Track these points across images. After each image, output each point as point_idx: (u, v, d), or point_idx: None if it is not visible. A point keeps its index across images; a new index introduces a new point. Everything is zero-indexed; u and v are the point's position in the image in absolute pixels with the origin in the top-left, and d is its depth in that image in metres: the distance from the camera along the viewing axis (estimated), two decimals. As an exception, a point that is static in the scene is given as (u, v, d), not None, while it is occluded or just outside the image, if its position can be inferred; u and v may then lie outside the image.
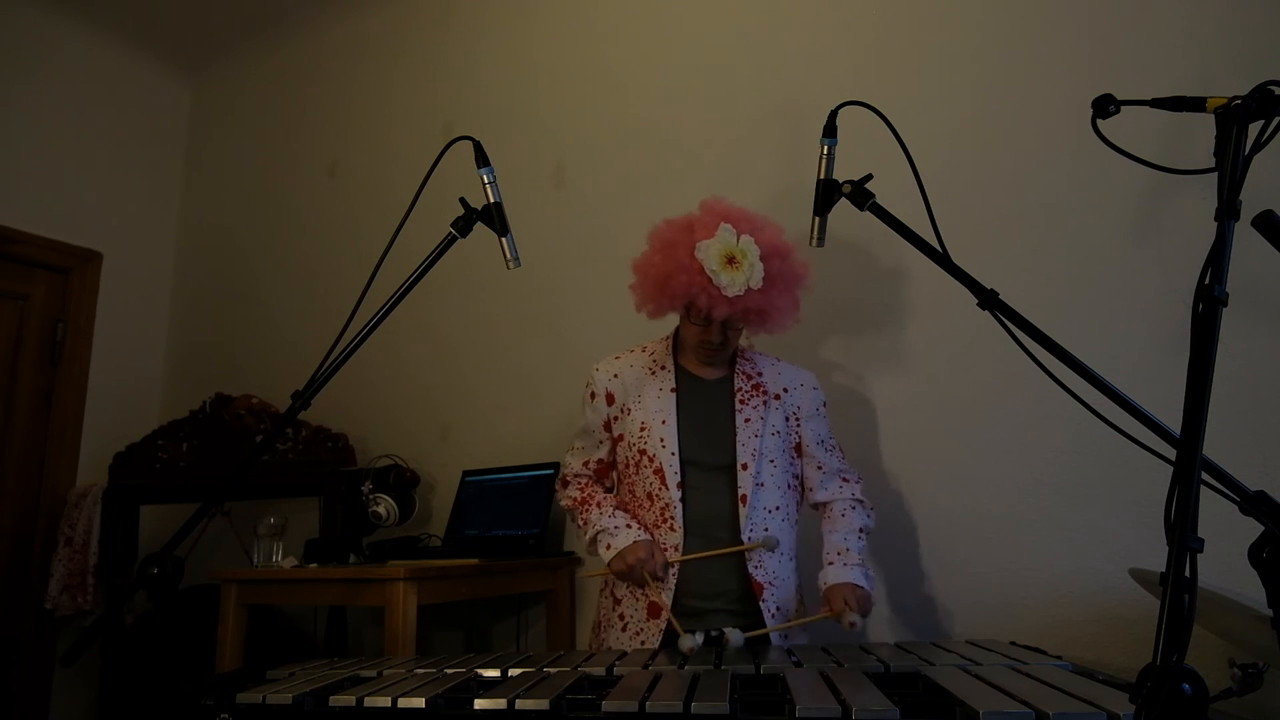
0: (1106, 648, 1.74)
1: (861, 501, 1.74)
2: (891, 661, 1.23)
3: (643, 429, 1.70)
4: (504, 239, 1.47)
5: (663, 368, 1.76)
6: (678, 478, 1.65)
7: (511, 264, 1.50)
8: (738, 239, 1.57)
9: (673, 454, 1.66)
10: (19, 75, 3.33)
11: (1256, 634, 1.05)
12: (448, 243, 1.40)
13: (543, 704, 1.06)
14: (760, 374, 1.76)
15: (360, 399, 3.00)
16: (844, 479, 1.76)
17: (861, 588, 1.60)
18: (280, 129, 3.63)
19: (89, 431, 3.42)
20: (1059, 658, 1.27)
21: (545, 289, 2.70)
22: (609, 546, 1.65)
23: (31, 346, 3.32)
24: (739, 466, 1.66)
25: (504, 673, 1.30)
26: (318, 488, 2.74)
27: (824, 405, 1.78)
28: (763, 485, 1.67)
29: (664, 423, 1.69)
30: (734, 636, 1.48)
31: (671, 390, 1.72)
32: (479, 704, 1.08)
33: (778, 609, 1.64)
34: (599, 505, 1.73)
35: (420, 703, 1.11)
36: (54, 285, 3.42)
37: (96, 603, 3.05)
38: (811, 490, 1.76)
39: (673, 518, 1.64)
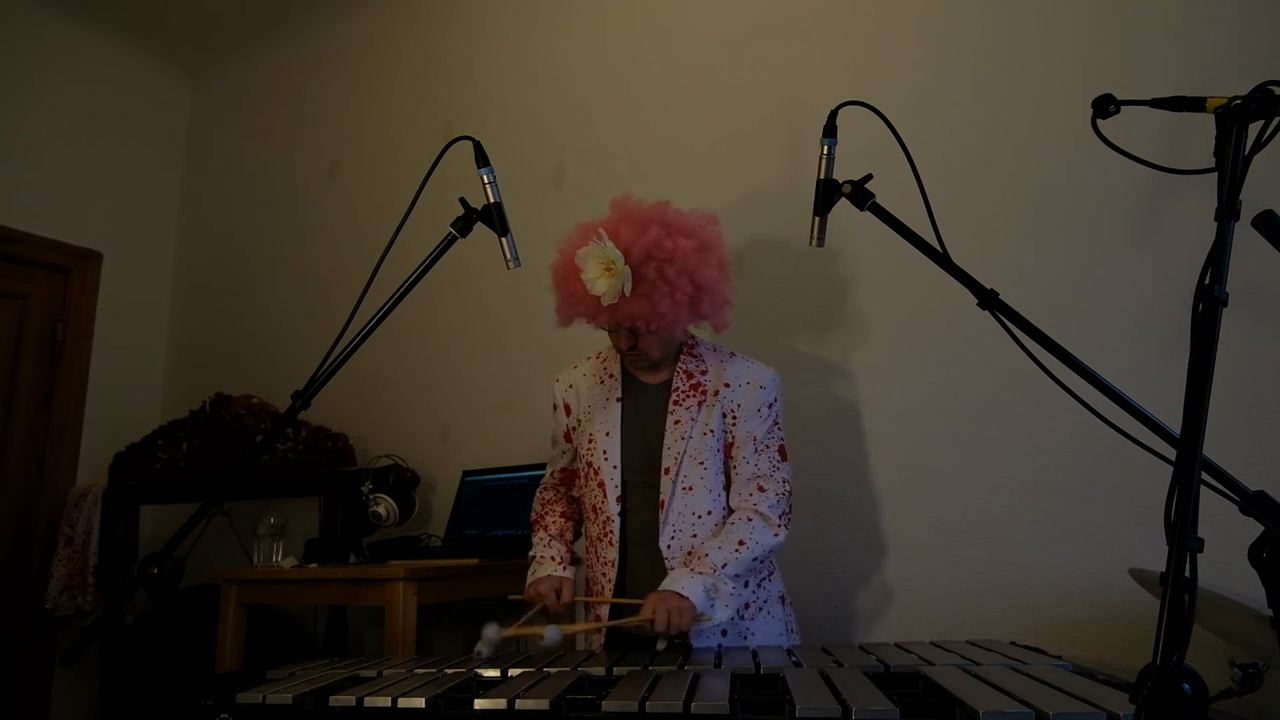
0: (1106, 648, 1.74)
1: (763, 515, 1.56)
2: (891, 661, 1.23)
3: (590, 442, 1.69)
4: (504, 239, 1.47)
5: (611, 376, 1.74)
6: (618, 491, 1.64)
7: (511, 264, 1.50)
8: (606, 246, 1.49)
9: (614, 467, 1.65)
10: (20, 76, 3.33)
11: (1256, 634, 1.05)
12: (448, 243, 1.40)
13: (543, 704, 1.06)
14: (704, 371, 1.67)
15: (360, 399, 3.00)
16: (760, 487, 1.59)
17: (686, 599, 1.42)
18: (280, 129, 3.63)
19: (89, 431, 3.42)
20: (1059, 658, 1.27)
21: (545, 289, 2.68)
22: (531, 573, 1.70)
23: (31, 346, 3.32)
24: (662, 471, 1.61)
25: (504, 673, 1.30)
26: (318, 488, 2.74)
27: (770, 406, 1.64)
28: (690, 489, 1.60)
29: (607, 434, 1.67)
30: (549, 634, 1.44)
31: (617, 400, 1.70)
32: (479, 704, 1.08)
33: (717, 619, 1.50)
34: (545, 529, 1.78)
35: (420, 703, 1.11)
36: (54, 285, 3.42)
37: (96, 603, 3.05)
38: (729, 494, 1.64)
39: (611, 531, 1.63)
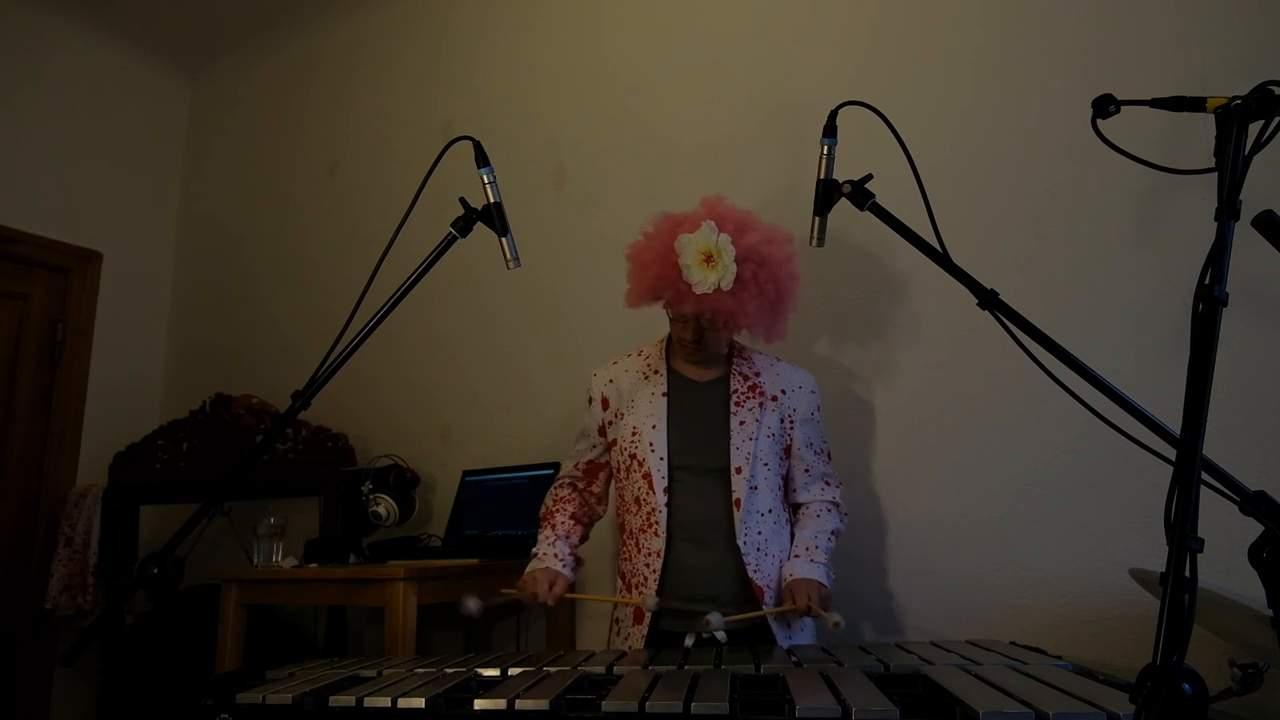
0: (1107, 648, 1.74)
1: (837, 505, 1.76)
2: (891, 661, 1.23)
3: (634, 434, 1.71)
4: (504, 239, 1.47)
5: (656, 371, 1.77)
6: (665, 482, 1.66)
7: (511, 264, 1.50)
8: (717, 237, 1.55)
9: (661, 459, 1.67)
10: (19, 75, 3.33)
11: (1256, 634, 1.05)
12: (448, 243, 1.40)
13: (543, 704, 1.06)
14: (758, 374, 1.75)
15: (360, 399, 3.00)
16: (825, 482, 1.77)
17: (824, 586, 1.61)
18: (280, 129, 3.63)
19: (89, 431, 3.42)
20: (1059, 658, 1.27)
21: (545, 289, 2.70)
22: (529, 568, 1.72)
23: (31, 346, 3.32)
24: (733, 470, 1.65)
25: (504, 673, 1.30)
26: (318, 488, 2.74)
27: (819, 409, 1.78)
28: (756, 489, 1.66)
29: (654, 427, 1.69)
30: (715, 619, 1.48)
31: (663, 395, 1.73)
32: (479, 704, 1.08)
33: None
34: (552, 528, 1.78)
35: (420, 703, 1.11)
36: (54, 285, 3.42)
37: (96, 603, 3.05)
38: (794, 491, 1.76)
39: (657, 522, 1.65)
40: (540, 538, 1.78)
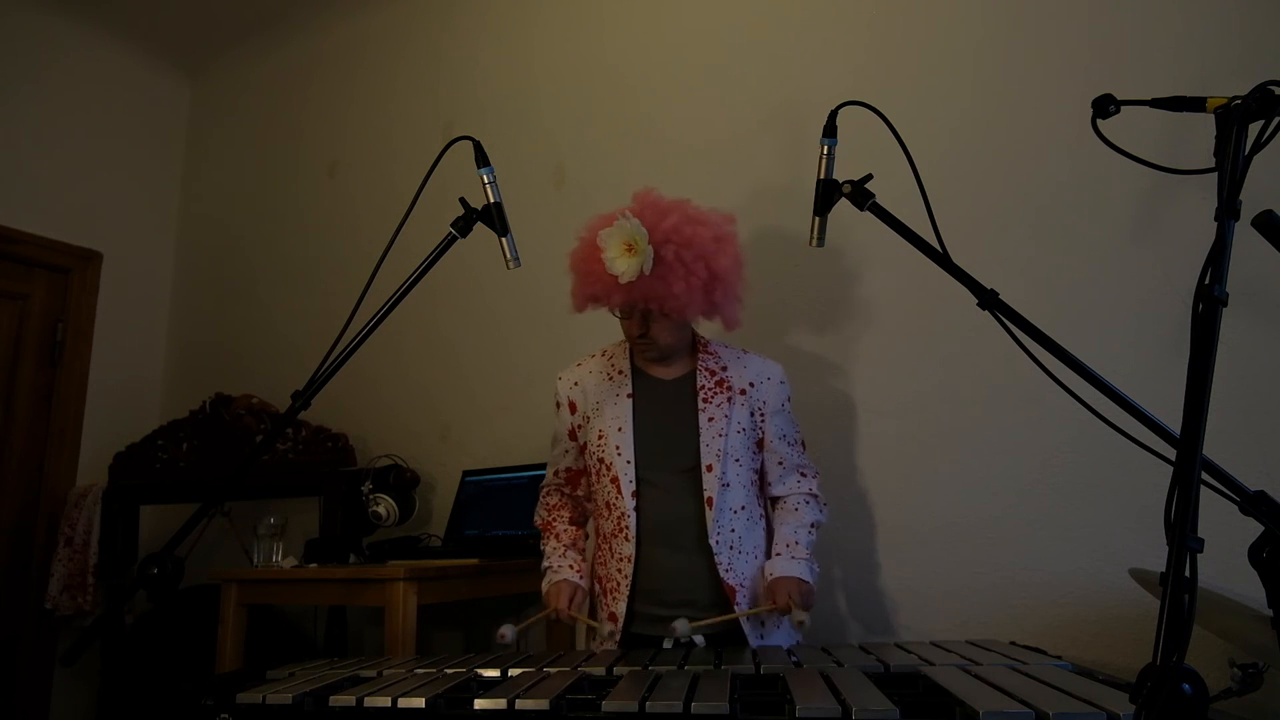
0: (1107, 648, 1.74)
1: (816, 496, 1.74)
2: (891, 661, 1.23)
3: (600, 437, 1.69)
4: (504, 239, 1.47)
5: (620, 372, 1.74)
6: (633, 486, 1.64)
7: (511, 264, 1.50)
8: (632, 224, 1.53)
9: (628, 462, 1.65)
10: (19, 75, 3.33)
11: (1256, 634, 1.05)
12: (448, 243, 1.40)
13: (543, 704, 1.06)
14: (725, 368, 1.71)
15: (360, 399, 3.00)
16: (801, 473, 1.75)
17: (806, 582, 1.59)
18: (280, 129, 3.63)
19: (89, 431, 3.42)
20: (1059, 658, 1.27)
21: (545, 289, 2.69)
22: (547, 581, 1.73)
23: (31, 346, 3.32)
24: (703, 468, 1.63)
25: (504, 673, 1.30)
26: (318, 488, 2.74)
27: (789, 399, 1.74)
28: (728, 485, 1.63)
29: (620, 430, 1.67)
30: (680, 626, 1.47)
31: (628, 396, 1.70)
32: (479, 704, 1.08)
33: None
34: (556, 537, 1.79)
35: (420, 703, 1.11)
36: (54, 285, 3.42)
37: (96, 603, 3.05)
38: (769, 484, 1.74)
39: (627, 527, 1.63)
40: (547, 550, 1.77)
